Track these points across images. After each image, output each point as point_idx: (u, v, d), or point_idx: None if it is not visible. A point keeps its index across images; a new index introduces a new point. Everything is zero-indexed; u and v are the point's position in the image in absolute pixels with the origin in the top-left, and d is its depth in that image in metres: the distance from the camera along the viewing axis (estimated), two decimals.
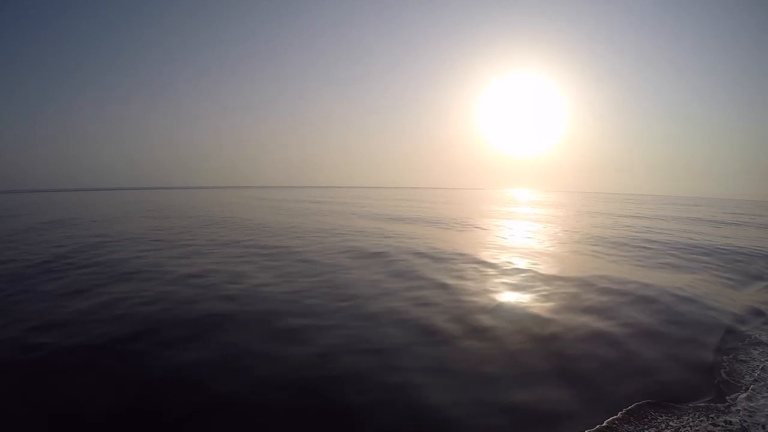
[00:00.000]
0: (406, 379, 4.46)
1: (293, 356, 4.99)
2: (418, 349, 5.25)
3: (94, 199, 59.62)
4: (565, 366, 4.86)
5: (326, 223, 21.93)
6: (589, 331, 5.92)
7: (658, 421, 3.73)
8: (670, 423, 3.69)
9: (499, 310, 6.87)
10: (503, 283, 8.77)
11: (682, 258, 12.38)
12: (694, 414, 3.85)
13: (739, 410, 3.91)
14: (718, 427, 3.63)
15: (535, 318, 6.45)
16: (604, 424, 3.66)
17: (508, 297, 7.71)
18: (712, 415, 3.82)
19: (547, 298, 7.61)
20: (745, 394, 4.21)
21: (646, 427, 3.65)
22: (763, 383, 4.45)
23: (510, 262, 10.87)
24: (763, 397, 4.14)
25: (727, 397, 4.16)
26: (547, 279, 9.04)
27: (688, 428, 3.62)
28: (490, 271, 9.81)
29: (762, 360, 5.07)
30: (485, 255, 12.02)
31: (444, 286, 8.31)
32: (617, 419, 3.74)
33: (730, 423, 3.70)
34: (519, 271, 9.87)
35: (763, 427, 3.64)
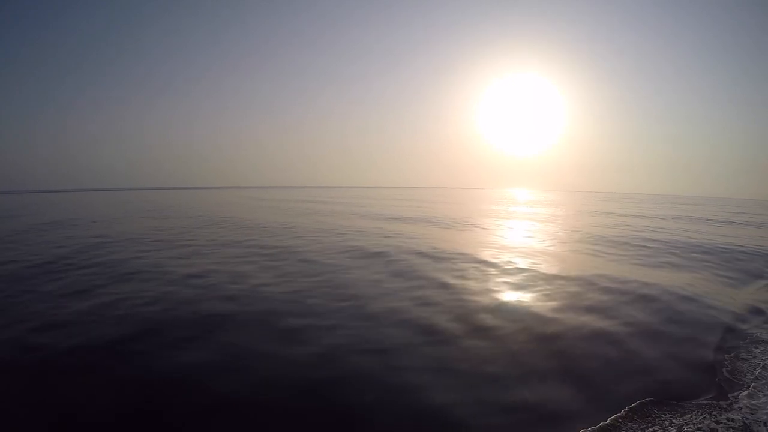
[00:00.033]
0: (408, 379, 4.45)
1: (294, 356, 4.98)
2: (420, 349, 5.25)
3: (93, 200, 59.59)
4: (567, 365, 4.86)
5: (326, 222, 21.92)
6: (590, 330, 5.92)
7: (662, 419, 3.74)
8: (674, 420, 3.70)
9: (500, 309, 6.87)
10: (504, 282, 8.77)
11: (682, 257, 12.39)
12: (697, 411, 3.86)
13: (741, 408, 3.92)
14: (721, 425, 3.63)
15: (537, 317, 6.45)
16: (607, 422, 3.67)
17: (509, 296, 7.71)
18: (714, 413, 3.83)
19: (548, 297, 7.61)
20: (746, 392, 4.22)
21: (649, 424, 3.65)
22: (764, 381, 4.46)
23: (511, 262, 10.87)
24: (764, 395, 4.15)
25: (729, 395, 4.17)
26: (548, 278, 9.04)
27: (691, 426, 3.62)
28: (491, 271, 9.81)
29: (763, 358, 5.07)
30: (486, 254, 12.02)
31: (445, 286, 8.31)
32: (620, 417, 3.75)
33: (733, 420, 3.70)
34: (520, 270, 9.87)
35: (765, 424, 3.64)
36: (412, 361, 4.88)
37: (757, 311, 7.03)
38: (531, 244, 14.88)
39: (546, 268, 10.20)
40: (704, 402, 4.04)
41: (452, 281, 8.69)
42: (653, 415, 3.78)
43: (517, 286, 8.39)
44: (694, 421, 3.69)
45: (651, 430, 3.57)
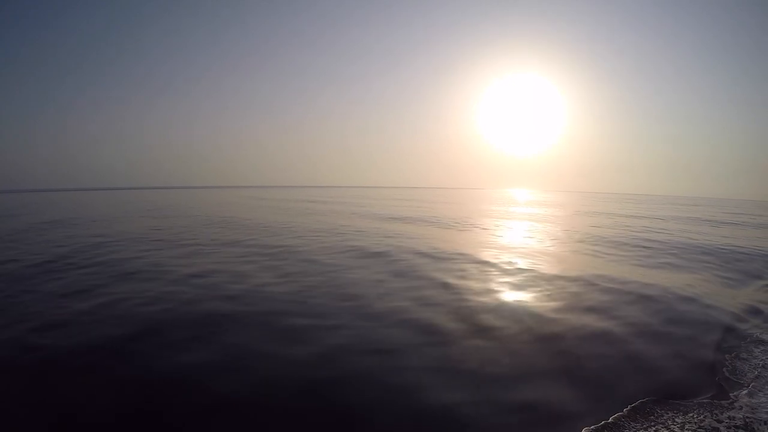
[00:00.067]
0: (410, 379, 4.45)
1: (296, 356, 4.97)
2: (422, 349, 5.24)
3: (93, 199, 59.55)
4: (569, 365, 4.87)
5: (326, 222, 21.92)
6: (591, 331, 5.92)
7: (664, 417, 3.76)
8: (676, 419, 3.72)
9: (502, 309, 6.87)
10: (505, 282, 8.77)
11: (681, 257, 12.40)
12: (698, 410, 3.88)
13: (742, 407, 3.94)
14: (722, 423, 3.65)
15: (538, 317, 6.46)
16: (609, 420, 3.68)
17: (510, 296, 7.71)
18: (716, 412, 3.85)
19: (549, 297, 7.61)
20: (747, 391, 4.24)
21: (651, 423, 3.67)
22: (765, 380, 4.48)
23: (511, 262, 10.87)
24: (765, 394, 4.17)
25: (730, 394, 4.19)
26: (549, 278, 9.05)
27: (693, 424, 3.64)
28: (492, 271, 9.81)
29: (763, 358, 5.09)
30: (486, 255, 12.03)
31: (446, 286, 8.31)
32: (623, 416, 3.76)
33: (734, 419, 3.72)
34: (520, 270, 9.87)
35: (766, 423, 3.66)
36: (414, 361, 4.88)
37: (756, 312, 7.05)
38: (531, 244, 14.88)
39: (546, 268, 10.21)
40: (705, 401, 4.06)
41: (453, 281, 8.69)
42: (655, 414, 3.80)
43: (518, 287, 8.40)
44: (696, 420, 3.70)
45: (653, 428, 3.59)
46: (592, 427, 3.60)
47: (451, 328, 5.94)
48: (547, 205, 46.40)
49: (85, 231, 17.94)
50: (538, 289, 8.20)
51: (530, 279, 9.01)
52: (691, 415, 3.79)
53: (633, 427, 3.61)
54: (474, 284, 8.52)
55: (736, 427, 3.60)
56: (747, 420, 3.69)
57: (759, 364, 4.91)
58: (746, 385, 4.39)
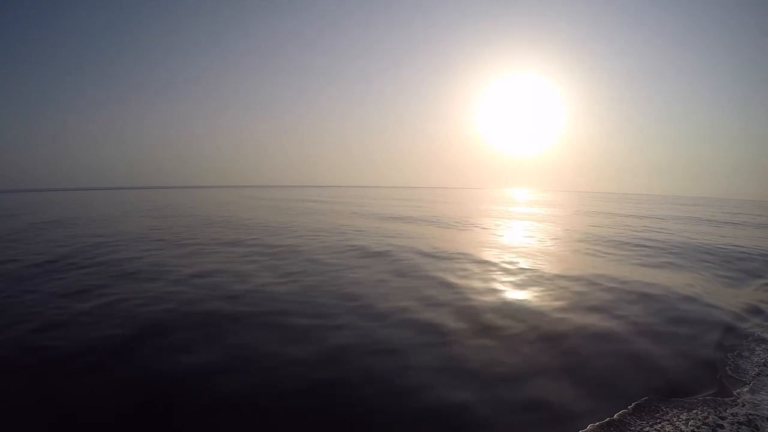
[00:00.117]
0: (413, 379, 4.44)
1: (298, 356, 4.95)
2: (425, 348, 5.22)
3: (93, 199, 59.48)
4: (573, 363, 4.87)
5: (327, 222, 21.91)
6: (594, 330, 5.93)
7: (668, 414, 3.77)
8: (680, 416, 3.74)
9: (504, 308, 6.87)
10: (507, 282, 8.77)
11: (682, 257, 12.41)
12: (702, 407, 3.90)
13: (744, 404, 3.96)
14: (726, 420, 3.67)
15: (541, 316, 6.46)
16: (614, 417, 3.70)
17: (513, 296, 7.71)
18: (719, 409, 3.87)
19: (551, 296, 7.62)
20: (749, 388, 4.27)
21: (656, 420, 3.69)
22: (766, 378, 4.50)
23: (513, 261, 10.88)
24: (766, 392, 4.19)
25: (732, 392, 4.22)
26: (551, 278, 9.05)
27: (697, 420, 3.66)
28: (494, 270, 9.81)
29: (764, 356, 5.12)
30: (488, 254, 12.03)
31: (449, 285, 8.30)
32: (627, 413, 3.78)
33: (737, 415, 3.74)
34: (522, 270, 9.88)
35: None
36: (417, 361, 4.86)
37: (757, 311, 7.07)
38: (532, 243, 14.89)
39: (548, 267, 10.21)
40: (708, 398, 4.08)
41: (455, 281, 8.69)
42: (659, 411, 3.82)
43: (520, 286, 8.40)
44: (700, 417, 3.72)
45: (658, 425, 3.60)
46: (597, 423, 3.61)
47: (453, 327, 5.94)
48: (546, 205, 46.43)
49: (85, 231, 17.91)
50: (540, 288, 8.20)
51: (532, 278, 9.01)
52: (694, 411, 3.81)
53: (637, 423, 3.63)
54: (476, 284, 8.52)
55: (739, 423, 3.62)
56: (750, 416, 3.72)
57: (760, 362, 4.94)
58: (748, 382, 4.41)
